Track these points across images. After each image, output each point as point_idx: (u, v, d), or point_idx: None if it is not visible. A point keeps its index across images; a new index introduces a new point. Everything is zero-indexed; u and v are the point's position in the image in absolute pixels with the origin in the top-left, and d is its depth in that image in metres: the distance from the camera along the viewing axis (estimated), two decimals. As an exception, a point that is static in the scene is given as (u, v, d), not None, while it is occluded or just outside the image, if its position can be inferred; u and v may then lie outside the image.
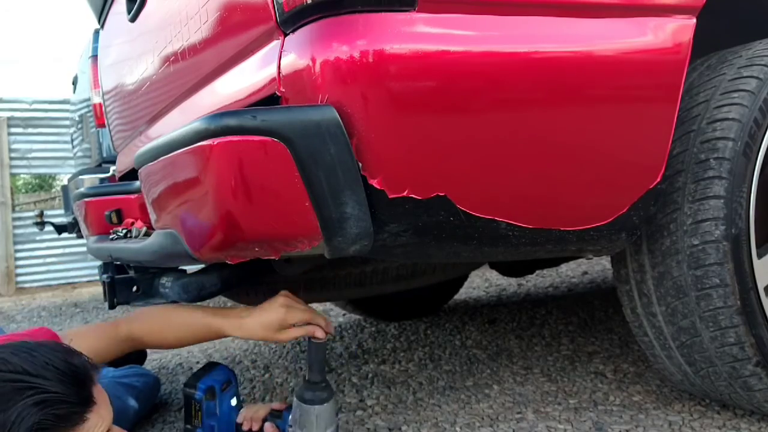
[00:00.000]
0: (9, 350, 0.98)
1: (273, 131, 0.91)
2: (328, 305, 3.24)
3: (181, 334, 1.32)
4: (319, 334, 1.22)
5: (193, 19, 1.29)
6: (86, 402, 1.00)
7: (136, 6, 1.63)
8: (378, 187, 0.95)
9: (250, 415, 1.32)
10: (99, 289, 4.92)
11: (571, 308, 2.55)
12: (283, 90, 1.00)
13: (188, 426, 1.33)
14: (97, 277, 2.93)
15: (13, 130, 6.22)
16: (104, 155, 3.17)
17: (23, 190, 11.80)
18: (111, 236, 1.70)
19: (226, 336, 1.30)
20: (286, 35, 1.02)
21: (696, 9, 1.15)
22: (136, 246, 1.37)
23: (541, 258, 1.25)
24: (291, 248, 0.99)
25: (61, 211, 5.07)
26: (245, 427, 1.32)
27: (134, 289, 2.05)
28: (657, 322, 1.27)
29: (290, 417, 1.26)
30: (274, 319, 1.22)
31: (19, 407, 0.91)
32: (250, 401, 1.79)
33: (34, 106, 6.33)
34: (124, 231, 1.66)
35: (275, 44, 1.04)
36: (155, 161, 1.12)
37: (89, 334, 1.27)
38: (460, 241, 1.07)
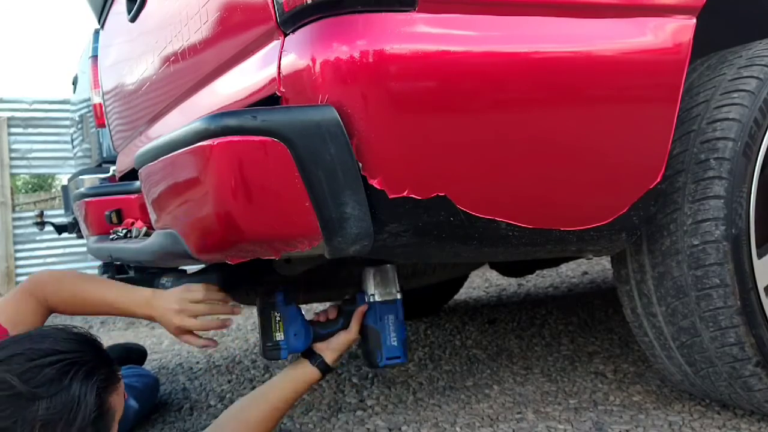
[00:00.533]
0: (28, 341, 0.98)
1: (273, 131, 0.91)
2: (328, 305, 3.24)
3: (89, 310, 1.34)
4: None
5: (193, 19, 1.29)
6: (112, 360, 1.04)
7: (136, 6, 1.63)
8: (378, 188, 0.96)
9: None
10: (99, 289, 4.91)
11: (571, 308, 2.55)
12: (283, 90, 1.00)
13: (269, 344, 1.32)
14: (97, 277, 2.93)
15: (13, 130, 6.22)
16: (104, 155, 3.16)
17: (23, 190, 11.80)
18: (111, 236, 1.70)
19: (127, 314, 1.34)
20: (286, 35, 1.02)
21: (696, 9, 1.15)
22: (136, 246, 1.37)
23: (541, 258, 1.25)
24: (291, 248, 0.99)
25: (61, 211, 5.07)
26: (321, 318, 1.36)
27: (134, 289, 2.04)
28: (657, 322, 1.27)
29: (368, 284, 1.35)
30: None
31: (75, 385, 0.93)
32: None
33: (34, 106, 6.32)
34: (124, 231, 1.66)
35: (275, 44, 1.04)
36: (155, 161, 1.12)
37: (8, 313, 1.22)
38: (460, 241, 1.07)
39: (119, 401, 1.02)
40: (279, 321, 1.32)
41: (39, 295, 1.27)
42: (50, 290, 1.28)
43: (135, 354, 2.14)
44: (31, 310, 1.25)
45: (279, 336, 1.32)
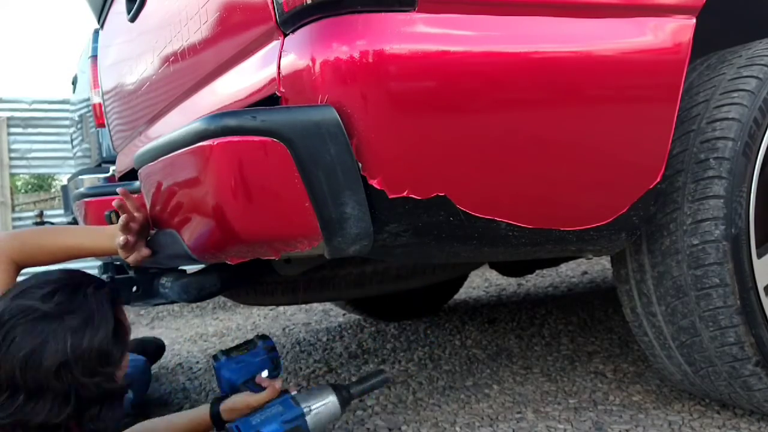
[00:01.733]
0: (34, 278, 1.08)
1: (273, 131, 0.91)
2: (328, 305, 3.24)
3: (58, 257, 1.33)
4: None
5: (192, 19, 1.29)
6: (105, 283, 1.12)
7: (135, 6, 1.63)
8: (378, 188, 0.95)
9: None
10: (99, 289, 4.90)
11: (571, 308, 2.55)
12: (283, 90, 1.00)
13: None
14: (97, 277, 2.92)
15: (12, 130, 6.21)
16: (104, 155, 3.16)
17: (23, 190, 11.80)
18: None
19: (95, 253, 1.34)
20: (285, 35, 1.02)
21: (696, 9, 1.15)
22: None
23: (541, 258, 1.25)
24: (291, 248, 0.99)
25: (61, 211, 5.06)
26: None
27: (134, 289, 2.04)
28: (657, 321, 1.27)
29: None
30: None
31: (90, 298, 1.03)
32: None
33: (34, 106, 6.32)
34: (124, 231, 1.65)
35: (275, 44, 1.04)
36: (155, 161, 1.12)
37: None
38: (460, 241, 1.07)
39: (127, 321, 1.12)
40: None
41: (1, 257, 1.28)
42: (15, 249, 1.29)
43: (152, 348, 2.14)
44: (5, 274, 1.26)
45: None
